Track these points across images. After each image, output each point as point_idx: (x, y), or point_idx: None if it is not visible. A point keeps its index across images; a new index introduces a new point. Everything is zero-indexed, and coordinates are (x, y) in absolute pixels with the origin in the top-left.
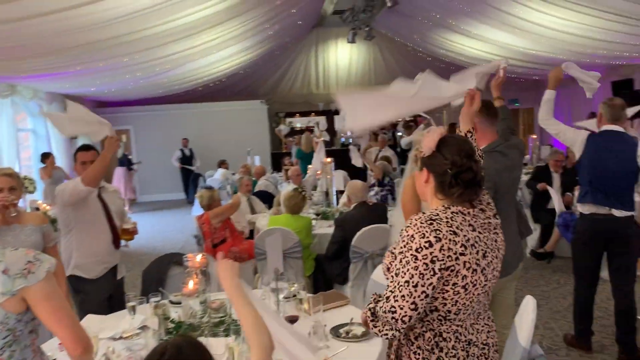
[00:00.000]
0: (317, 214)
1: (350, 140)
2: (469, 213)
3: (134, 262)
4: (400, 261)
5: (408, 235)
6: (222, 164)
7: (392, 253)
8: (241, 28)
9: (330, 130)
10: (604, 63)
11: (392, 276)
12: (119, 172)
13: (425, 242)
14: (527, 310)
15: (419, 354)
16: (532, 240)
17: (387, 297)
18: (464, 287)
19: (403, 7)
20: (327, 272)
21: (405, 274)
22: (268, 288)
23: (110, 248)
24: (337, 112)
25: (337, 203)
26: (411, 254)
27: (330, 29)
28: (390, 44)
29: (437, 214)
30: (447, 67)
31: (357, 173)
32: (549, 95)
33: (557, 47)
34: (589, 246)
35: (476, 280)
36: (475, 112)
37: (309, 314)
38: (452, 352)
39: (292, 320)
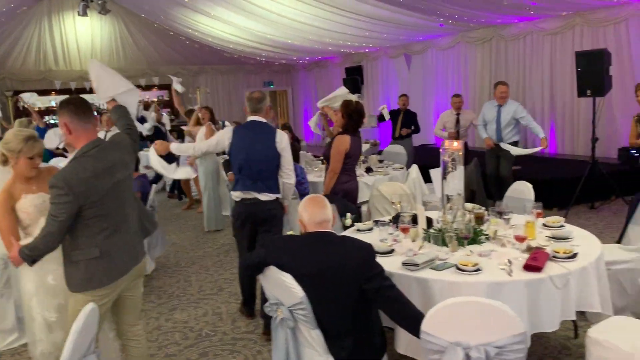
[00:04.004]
0: None
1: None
2: None
3: None
4: None
5: None
6: None
7: None
8: None
9: None
10: (335, 50)
11: None
12: None
13: None
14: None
15: None
16: None
17: None
18: None
19: None
20: None
21: None
22: None
23: None
24: (78, 91)
25: None
26: None
27: None
28: (136, 20)
29: None
30: (201, 47)
31: None
32: None
33: (294, 34)
34: (242, 226)
35: None
36: None
37: None
38: None
39: None
